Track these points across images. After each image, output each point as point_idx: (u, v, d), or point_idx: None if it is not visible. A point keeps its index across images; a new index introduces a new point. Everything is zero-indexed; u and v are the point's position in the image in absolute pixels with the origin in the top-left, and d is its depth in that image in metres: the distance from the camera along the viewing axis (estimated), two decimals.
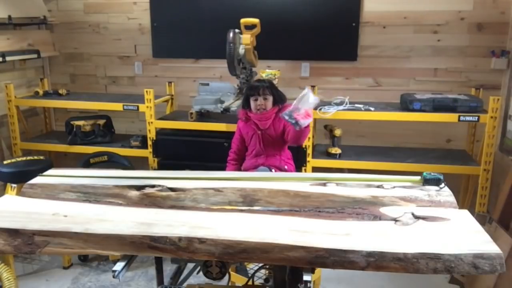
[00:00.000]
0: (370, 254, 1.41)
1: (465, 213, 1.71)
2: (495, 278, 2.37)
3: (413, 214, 1.66)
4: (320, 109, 2.91)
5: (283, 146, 2.63)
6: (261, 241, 1.47)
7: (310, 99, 2.18)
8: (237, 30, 2.89)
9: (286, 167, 2.59)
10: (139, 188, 1.92)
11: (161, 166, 3.17)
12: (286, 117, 2.22)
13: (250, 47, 2.89)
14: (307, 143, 2.91)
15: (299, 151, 2.92)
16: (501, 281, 2.34)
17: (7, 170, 2.78)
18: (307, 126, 2.32)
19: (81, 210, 1.78)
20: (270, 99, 2.58)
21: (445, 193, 1.82)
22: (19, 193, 2.00)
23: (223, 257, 1.51)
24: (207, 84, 3.22)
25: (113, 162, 3.18)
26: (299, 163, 2.89)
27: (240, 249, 1.48)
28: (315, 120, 2.98)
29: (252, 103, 2.60)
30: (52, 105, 3.61)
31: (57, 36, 3.97)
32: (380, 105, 3.07)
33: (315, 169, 2.98)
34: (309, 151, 2.96)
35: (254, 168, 2.56)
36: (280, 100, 2.61)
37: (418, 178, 1.94)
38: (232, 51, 2.86)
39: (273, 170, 2.54)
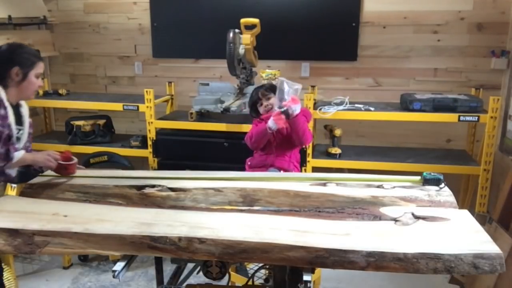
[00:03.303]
0: (370, 254, 1.41)
1: (465, 213, 1.71)
2: (495, 278, 2.37)
3: (413, 214, 1.67)
4: (320, 109, 2.91)
5: (293, 147, 2.62)
6: (261, 241, 1.48)
7: (292, 86, 2.31)
8: (237, 30, 2.89)
9: (293, 170, 2.59)
10: (139, 188, 1.92)
11: (161, 166, 3.16)
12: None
13: (250, 47, 2.89)
14: None
15: (299, 151, 2.91)
16: (501, 281, 2.34)
17: None
18: (301, 117, 2.39)
19: (81, 210, 1.79)
20: (273, 96, 2.59)
21: (445, 193, 1.82)
22: (19, 193, 2.00)
23: (223, 257, 1.52)
24: (207, 84, 3.22)
25: (113, 162, 3.18)
26: (299, 164, 2.88)
27: (240, 249, 1.48)
28: (315, 120, 2.98)
29: (261, 109, 2.62)
30: (52, 105, 3.61)
31: (57, 36, 3.97)
32: (380, 105, 3.07)
33: (315, 169, 2.98)
34: (309, 151, 2.96)
35: (262, 166, 2.56)
36: None
37: (418, 178, 1.95)
38: (232, 51, 2.86)
39: (281, 171, 2.54)
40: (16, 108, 2.10)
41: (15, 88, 2.04)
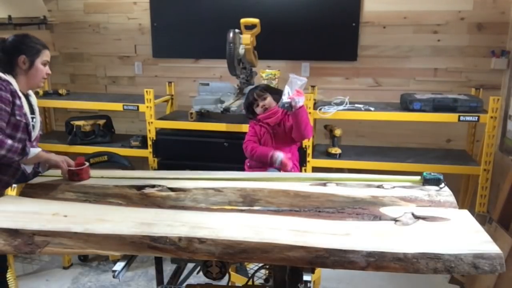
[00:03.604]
0: (370, 254, 1.41)
1: (465, 213, 1.71)
2: (495, 278, 2.37)
3: (413, 214, 1.67)
4: (320, 109, 2.91)
5: (293, 146, 2.63)
6: (261, 241, 1.48)
7: (298, 81, 2.36)
8: (237, 30, 2.89)
9: (293, 170, 2.60)
10: (139, 188, 1.92)
11: (161, 166, 3.16)
12: (281, 105, 2.38)
13: (250, 47, 2.89)
14: (307, 143, 2.91)
15: (299, 151, 2.91)
16: (501, 281, 2.34)
17: None
18: (303, 110, 2.41)
19: (81, 210, 1.79)
20: (268, 96, 2.61)
21: (445, 193, 1.82)
22: (19, 193, 2.01)
23: (223, 257, 1.51)
24: (207, 84, 3.21)
25: (113, 162, 3.18)
26: (299, 163, 2.88)
27: (240, 249, 1.48)
28: (315, 120, 2.98)
29: (258, 110, 2.62)
30: (52, 105, 3.61)
31: (57, 36, 3.97)
32: (380, 105, 3.07)
33: (315, 169, 2.98)
34: (309, 151, 2.96)
35: (262, 167, 2.56)
36: (279, 94, 2.64)
37: (418, 178, 1.95)
38: (232, 51, 2.86)
39: (281, 171, 2.54)
40: (26, 98, 2.16)
41: (24, 76, 2.11)
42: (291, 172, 2.54)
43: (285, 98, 2.36)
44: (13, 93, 2.03)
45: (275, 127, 2.59)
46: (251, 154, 2.57)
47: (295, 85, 2.36)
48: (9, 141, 1.93)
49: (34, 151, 2.02)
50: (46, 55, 2.16)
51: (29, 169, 2.11)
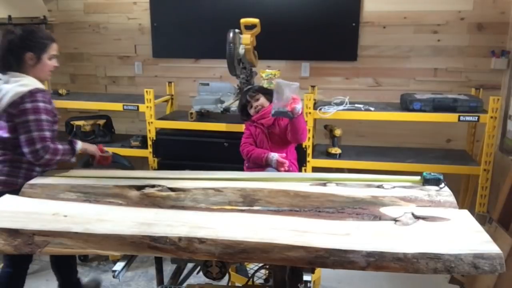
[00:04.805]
0: (370, 254, 1.41)
1: (465, 213, 1.71)
2: (495, 278, 2.37)
3: (413, 214, 1.67)
4: (320, 109, 2.91)
5: (290, 146, 2.63)
6: (261, 241, 1.48)
7: (290, 86, 2.24)
8: (237, 30, 2.89)
9: (291, 168, 2.60)
10: (139, 188, 1.93)
11: (161, 166, 3.16)
12: (277, 114, 2.30)
13: (250, 47, 2.89)
14: (307, 143, 2.91)
15: (299, 151, 2.91)
16: (501, 281, 2.34)
17: None
18: (302, 116, 2.40)
19: (81, 210, 1.79)
20: (261, 97, 2.62)
21: (445, 193, 1.82)
22: (19, 193, 2.01)
23: (223, 257, 1.52)
24: (207, 84, 3.21)
25: (113, 162, 3.17)
26: (299, 163, 2.88)
27: (240, 249, 1.48)
28: (315, 120, 2.98)
29: (251, 111, 2.63)
30: None
31: (57, 36, 3.91)
32: (380, 105, 3.07)
33: (315, 169, 2.98)
34: (309, 151, 2.96)
35: (260, 167, 2.56)
36: (272, 95, 2.64)
37: (418, 178, 1.95)
38: (232, 51, 2.86)
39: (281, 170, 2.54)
40: None
41: (31, 71, 2.14)
42: (290, 170, 2.54)
43: (275, 106, 2.28)
44: (51, 100, 2.14)
45: (269, 127, 2.59)
46: (247, 157, 2.58)
47: (290, 91, 2.24)
48: (60, 146, 2.08)
49: (78, 146, 2.21)
50: (53, 49, 2.18)
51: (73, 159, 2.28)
